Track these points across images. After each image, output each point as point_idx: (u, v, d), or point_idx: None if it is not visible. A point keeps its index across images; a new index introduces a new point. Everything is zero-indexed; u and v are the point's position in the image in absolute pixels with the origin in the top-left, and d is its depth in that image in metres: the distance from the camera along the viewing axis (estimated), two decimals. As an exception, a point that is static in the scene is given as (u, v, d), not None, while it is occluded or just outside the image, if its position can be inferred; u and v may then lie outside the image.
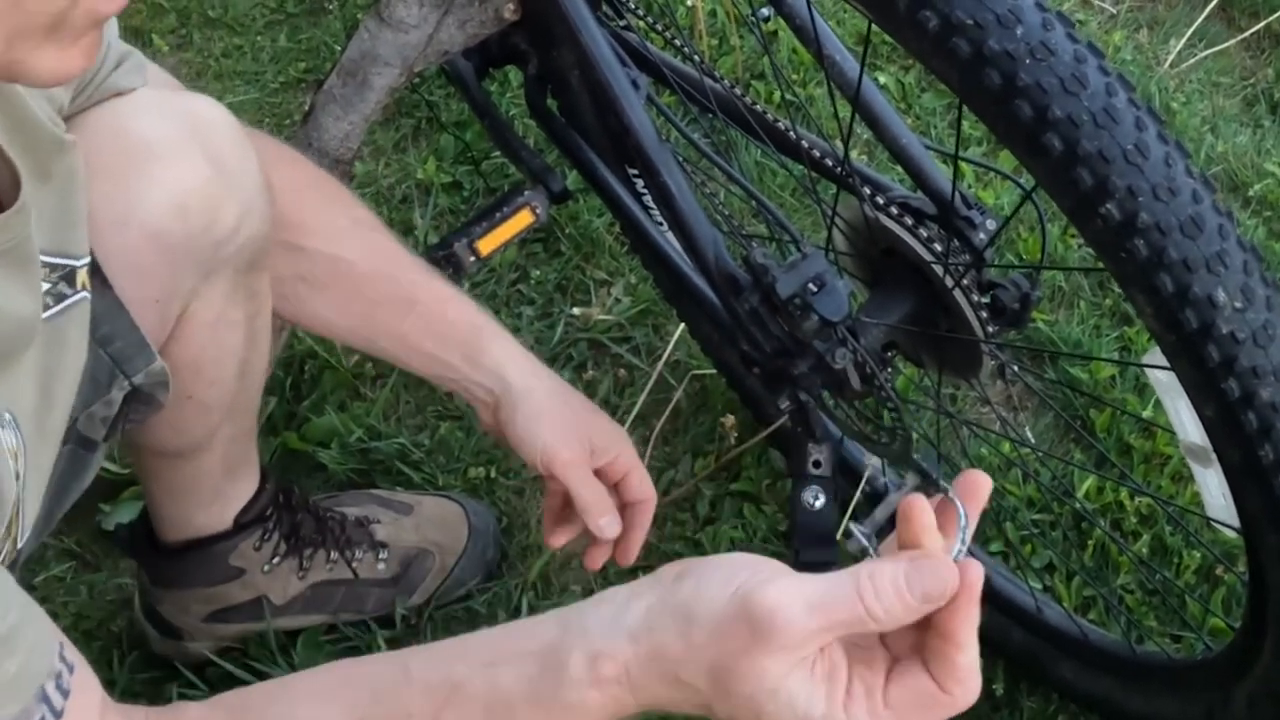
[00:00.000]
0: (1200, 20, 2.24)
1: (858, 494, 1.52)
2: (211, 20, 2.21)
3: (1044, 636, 1.42)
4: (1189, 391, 0.98)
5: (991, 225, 1.21)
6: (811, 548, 1.21)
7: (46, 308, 0.89)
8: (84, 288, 0.94)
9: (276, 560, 1.40)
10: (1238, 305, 0.92)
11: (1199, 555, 1.56)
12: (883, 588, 0.72)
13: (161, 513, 1.35)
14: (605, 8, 1.41)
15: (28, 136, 0.86)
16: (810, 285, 1.14)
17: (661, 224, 1.43)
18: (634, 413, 1.69)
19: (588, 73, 1.25)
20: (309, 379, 1.72)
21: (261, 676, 1.43)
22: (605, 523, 1.20)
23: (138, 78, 1.06)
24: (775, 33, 2.12)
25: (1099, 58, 0.93)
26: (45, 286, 0.88)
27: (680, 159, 1.25)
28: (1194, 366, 0.95)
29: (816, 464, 1.23)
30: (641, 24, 1.43)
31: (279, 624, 1.43)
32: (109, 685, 1.41)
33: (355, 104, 1.37)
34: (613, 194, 1.38)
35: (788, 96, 2.00)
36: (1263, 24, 2.26)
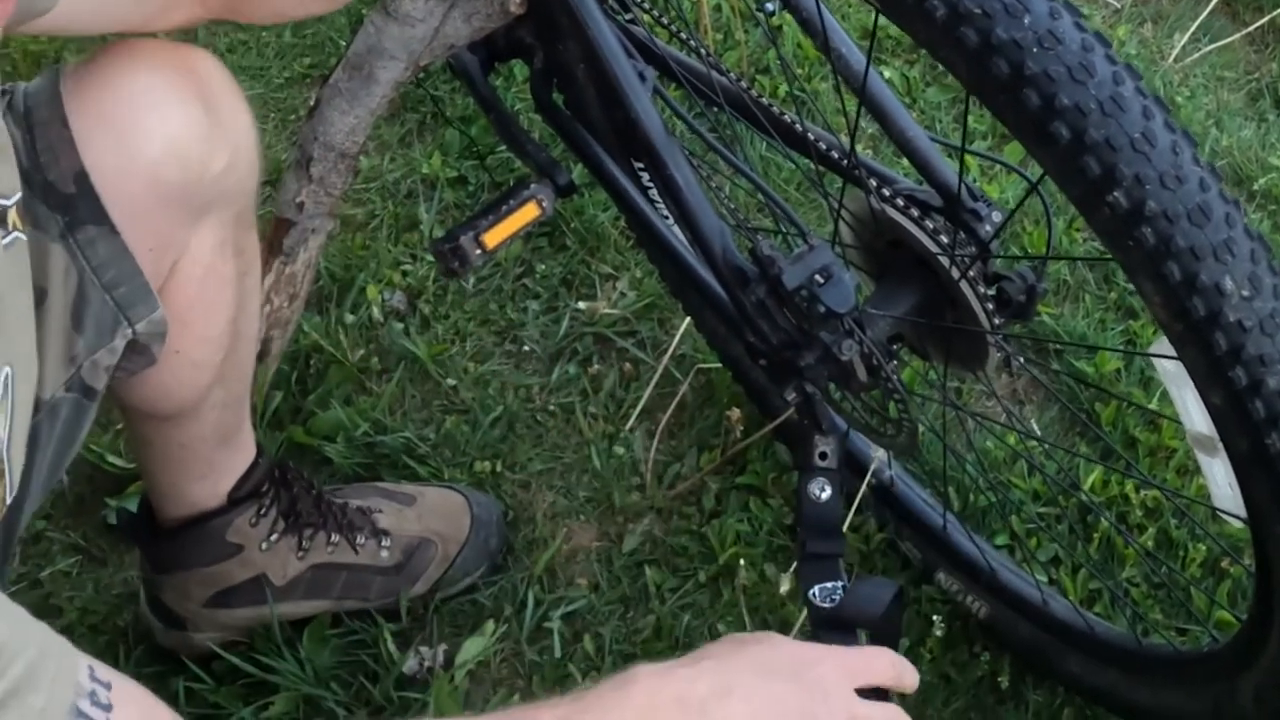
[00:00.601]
0: (1204, 15, 2.24)
1: (864, 487, 1.52)
2: (216, 16, 2.21)
3: (1050, 630, 1.42)
4: (1196, 380, 0.98)
5: (997, 218, 1.21)
6: (818, 539, 1.21)
7: None
8: (15, 228, 0.94)
9: (275, 537, 1.40)
10: (1245, 293, 0.92)
11: (1205, 548, 1.56)
12: None
13: (157, 488, 1.36)
14: (611, 1, 1.41)
15: None
16: (817, 277, 1.14)
17: (667, 217, 1.44)
18: (639, 407, 1.69)
19: (594, 65, 1.24)
20: (314, 373, 1.72)
21: (267, 670, 1.43)
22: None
23: None
24: (780, 27, 2.12)
25: (1106, 46, 0.93)
26: None
27: (687, 152, 1.25)
28: (1201, 354, 0.95)
29: (823, 455, 1.23)
30: (647, 17, 1.43)
31: (281, 611, 1.43)
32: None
33: (361, 98, 1.37)
34: (618, 187, 1.38)
35: (794, 91, 2.00)
36: (1267, 19, 2.26)
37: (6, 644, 0.71)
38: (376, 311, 1.78)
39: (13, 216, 0.94)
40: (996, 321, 1.20)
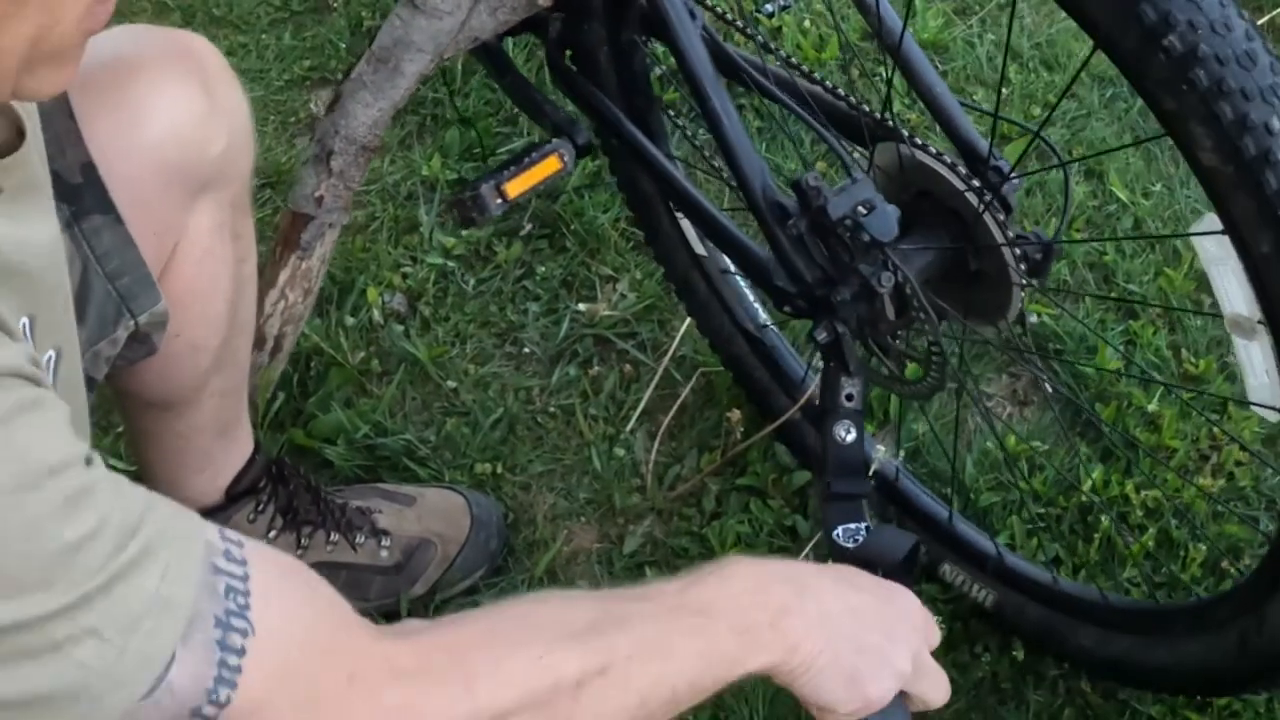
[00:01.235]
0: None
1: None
2: (216, 19, 2.21)
3: (1062, 607, 1.42)
4: (1245, 229, 1.00)
5: (1017, 181, 1.25)
6: (843, 480, 1.25)
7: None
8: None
9: (273, 535, 1.40)
10: None
11: (1205, 549, 1.56)
12: None
13: (155, 481, 1.36)
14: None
15: None
16: (860, 207, 1.19)
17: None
18: (640, 408, 1.69)
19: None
20: (315, 376, 1.72)
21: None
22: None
23: None
24: (779, 29, 2.12)
25: None
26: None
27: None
28: (1251, 197, 0.98)
29: (849, 397, 1.26)
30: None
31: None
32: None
33: (386, 90, 1.38)
34: (639, 144, 1.40)
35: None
36: (1266, 18, 2.26)
37: (137, 503, 0.72)
38: (377, 314, 1.78)
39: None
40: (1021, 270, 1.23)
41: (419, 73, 1.38)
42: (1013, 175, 1.24)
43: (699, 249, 1.61)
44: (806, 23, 2.14)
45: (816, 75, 1.37)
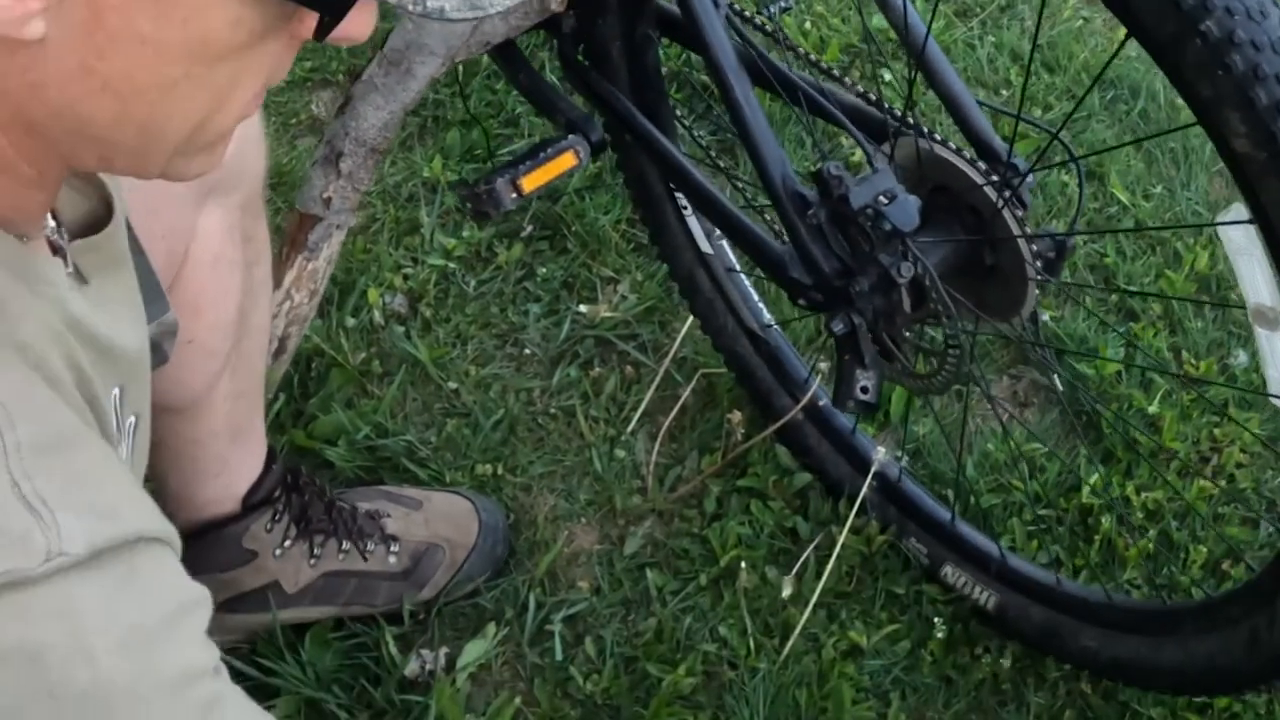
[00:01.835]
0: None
1: (864, 487, 1.52)
2: (217, 20, 2.21)
3: (1066, 609, 1.42)
4: (1275, 217, 1.01)
5: (1032, 179, 1.27)
6: None
7: None
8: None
9: (288, 544, 1.40)
10: None
11: (1205, 550, 1.56)
12: None
13: (168, 494, 1.36)
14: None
15: None
16: (881, 197, 1.20)
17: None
18: (640, 410, 1.69)
19: None
20: (316, 376, 1.72)
21: (268, 673, 1.43)
22: None
23: None
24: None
25: None
26: None
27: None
28: None
29: (864, 389, 1.27)
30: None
31: (287, 617, 1.43)
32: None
33: (397, 93, 1.38)
34: (652, 139, 1.40)
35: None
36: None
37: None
38: (378, 315, 1.78)
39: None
40: (1035, 265, 1.24)
41: (430, 75, 1.38)
42: (1029, 171, 1.24)
43: (705, 247, 1.61)
44: (808, 24, 2.15)
45: (834, 70, 1.39)
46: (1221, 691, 1.37)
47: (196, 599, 0.73)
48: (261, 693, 1.43)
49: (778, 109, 1.93)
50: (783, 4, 1.43)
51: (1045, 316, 1.78)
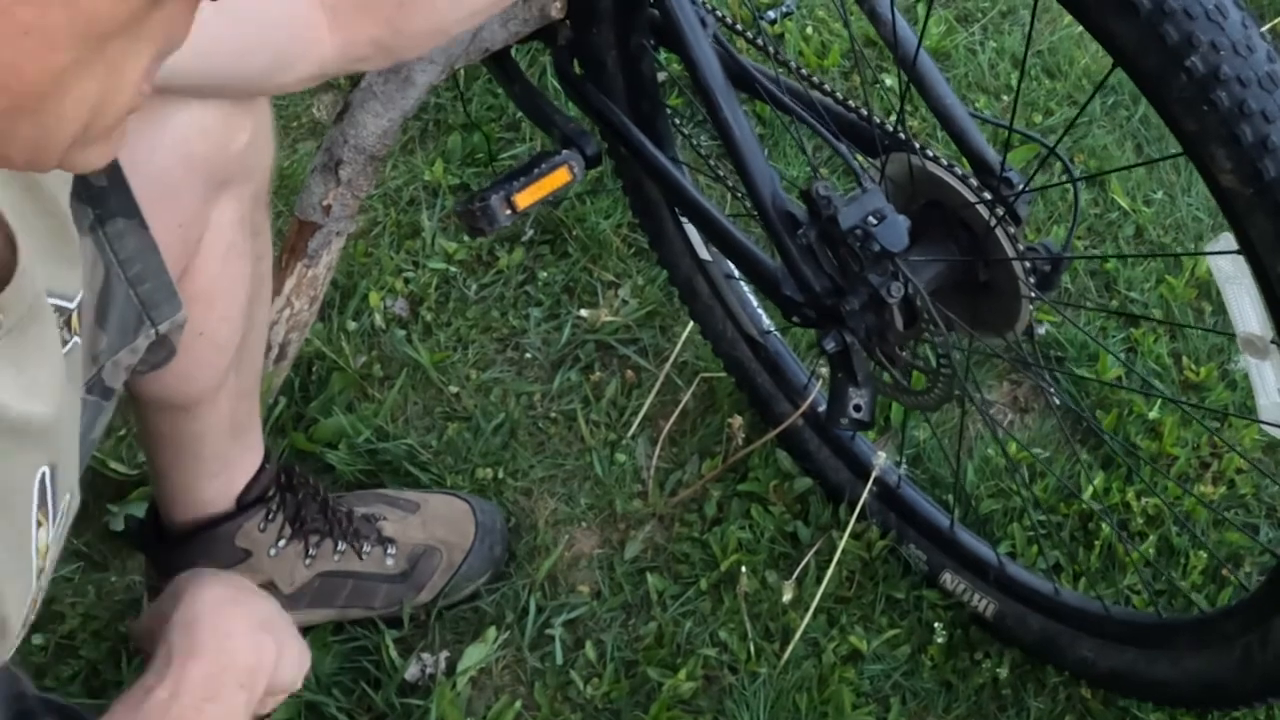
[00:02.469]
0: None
1: (864, 493, 1.52)
2: (219, 23, 2.21)
3: (1063, 618, 1.42)
4: (1263, 251, 1.01)
5: (1025, 196, 1.25)
6: None
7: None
8: (75, 332, 0.91)
9: (282, 543, 1.40)
10: None
11: (1205, 556, 1.56)
12: None
13: (167, 490, 1.36)
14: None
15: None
16: (870, 218, 1.19)
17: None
18: (641, 414, 1.69)
19: (660, 7, 1.28)
20: (317, 380, 1.72)
21: (270, 676, 1.43)
22: None
23: None
24: (782, 35, 2.12)
25: None
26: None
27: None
28: (1270, 219, 0.98)
29: (857, 408, 1.27)
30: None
31: (285, 619, 1.43)
32: (116, 686, 1.43)
33: (396, 100, 1.38)
34: (647, 153, 1.40)
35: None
36: (1267, 26, 2.27)
37: None
38: (379, 318, 1.78)
39: (74, 321, 0.91)
40: (1030, 284, 1.23)
41: (430, 83, 1.38)
42: (1022, 191, 1.24)
43: (704, 254, 1.61)
44: (809, 29, 2.15)
45: (826, 86, 1.38)
46: (1213, 707, 1.37)
47: None
48: (262, 696, 1.43)
49: (773, 119, 1.93)
50: (784, 8, 1.43)
51: (1042, 330, 1.78)
